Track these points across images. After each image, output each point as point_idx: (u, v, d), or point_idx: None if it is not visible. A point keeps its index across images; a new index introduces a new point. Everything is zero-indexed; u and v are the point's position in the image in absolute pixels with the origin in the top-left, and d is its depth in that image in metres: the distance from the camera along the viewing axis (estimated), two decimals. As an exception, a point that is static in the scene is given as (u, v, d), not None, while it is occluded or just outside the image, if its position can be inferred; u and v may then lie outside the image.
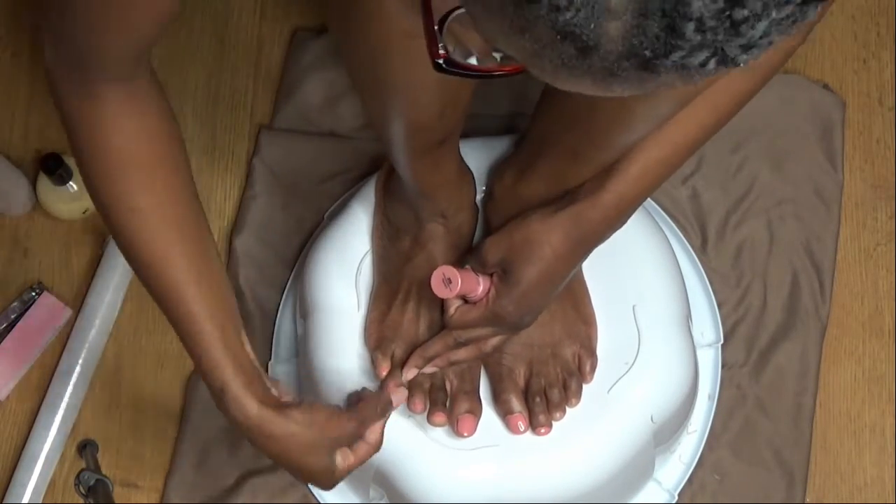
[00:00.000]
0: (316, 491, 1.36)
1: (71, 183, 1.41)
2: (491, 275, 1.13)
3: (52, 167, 1.39)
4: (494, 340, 1.17)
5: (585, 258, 1.13)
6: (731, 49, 0.56)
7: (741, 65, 0.58)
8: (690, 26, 0.55)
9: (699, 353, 1.34)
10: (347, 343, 1.25)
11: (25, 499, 1.36)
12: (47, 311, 1.42)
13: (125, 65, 0.93)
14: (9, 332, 1.42)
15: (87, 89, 0.94)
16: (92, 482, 1.30)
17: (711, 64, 0.57)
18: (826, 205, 1.44)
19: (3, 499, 1.38)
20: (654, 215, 1.37)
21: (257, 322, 1.41)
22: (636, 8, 0.55)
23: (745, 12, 0.55)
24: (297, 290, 1.36)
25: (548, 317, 1.21)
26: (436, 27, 0.64)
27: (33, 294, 1.43)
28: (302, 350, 1.32)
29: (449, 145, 1.14)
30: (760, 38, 0.57)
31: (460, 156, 1.21)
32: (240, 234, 1.44)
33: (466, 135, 1.24)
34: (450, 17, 0.64)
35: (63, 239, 1.46)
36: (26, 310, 1.42)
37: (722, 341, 1.39)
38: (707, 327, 1.39)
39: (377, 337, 1.23)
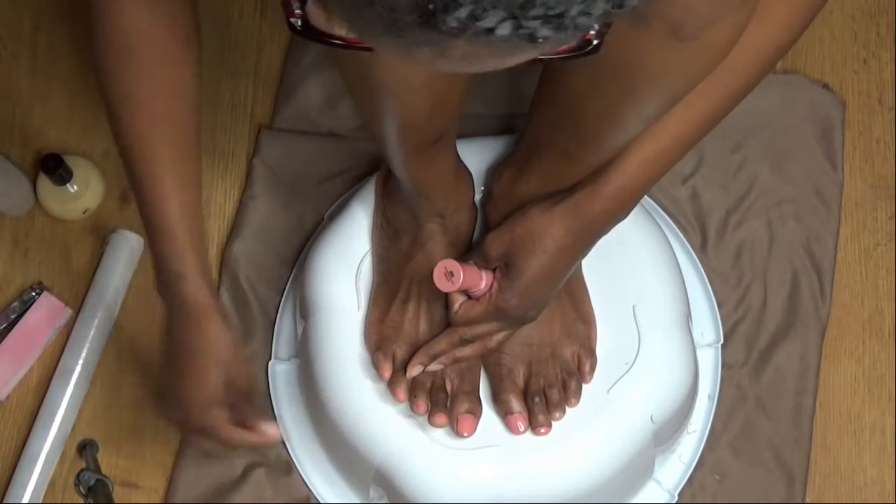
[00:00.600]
0: (316, 490, 1.36)
1: (71, 183, 1.41)
2: (494, 269, 1.13)
3: (52, 167, 1.38)
4: (499, 336, 1.17)
5: (587, 251, 1.13)
6: (526, 19, 0.55)
7: (542, 41, 0.56)
8: (462, 11, 0.54)
9: (699, 353, 1.34)
10: (347, 343, 1.25)
11: (25, 499, 1.36)
12: (47, 311, 1.42)
13: None
14: (9, 332, 1.42)
15: None
16: (92, 482, 1.30)
17: (504, 29, 0.55)
18: (826, 205, 1.44)
19: (3, 499, 1.38)
20: (654, 215, 1.37)
21: (257, 322, 1.41)
22: None
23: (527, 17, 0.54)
24: (297, 290, 1.36)
25: (547, 316, 1.21)
26: None
27: (33, 294, 1.43)
28: (302, 350, 1.32)
29: (443, 144, 1.14)
30: (561, 13, 0.55)
31: (457, 155, 1.21)
32: (240, 235, 1.44)
33: (465, 135, 1.24)
34: None
35: (63, 239, 1.46)
36: (26, 310, 1.42)
37: (722, 341, 1.39)
38: (707, 327, 1.39)
39: (377, 337, 1.23)
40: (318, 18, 0.63)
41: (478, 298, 1.14)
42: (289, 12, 0.63)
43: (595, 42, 0.60)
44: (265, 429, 1.11)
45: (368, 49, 0.63)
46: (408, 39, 0.57)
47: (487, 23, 0.54)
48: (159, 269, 1.10)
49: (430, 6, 0.54)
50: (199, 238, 1.09)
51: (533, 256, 1.10)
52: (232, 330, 1.13)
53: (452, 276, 1.10)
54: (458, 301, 1.15)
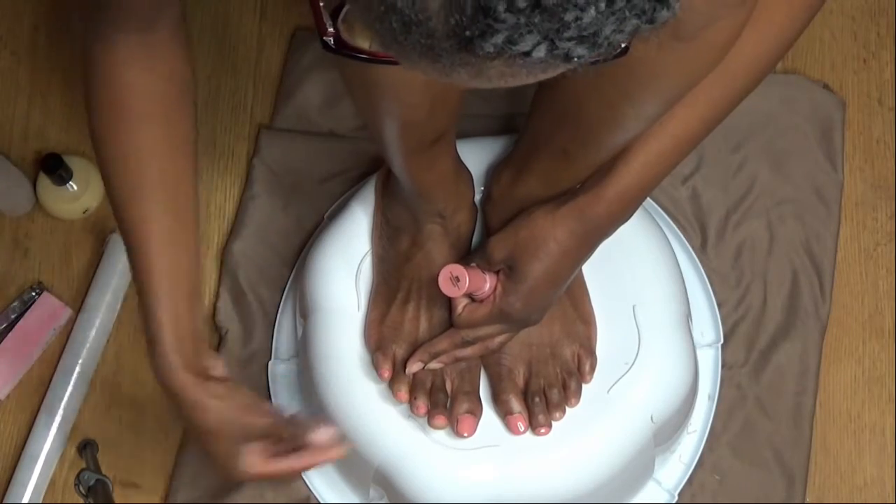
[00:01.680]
0: (316, 490, 1.36)
1: (71, 183, 1.41)
2: (497, 272, 1.14)
3: (52, 167, 1.39)
4: (501, 338, 1.17)
5: (591, 254, 1.13)
6: (561, 40, 0.56)
7: (577, 59, 0.57)
8: (501, 6, 0.55)
9: (699, 353, 1.34)
10: (347, 343, 1.25)
11: (25, 499, 1.36)
12: (47, 311, 1.42)
13: (143, 13, 0.93)
14: (9, 332, 1.42)
15: (102, 32, 0.95)
16: (92, 482, 1.30)
17: (540, 52, 0.56)
18: (826, 205, 1.44)
19: (3, 499, 1.38)
20: (654, 215, 1.37)
21: (257, 322, 1.41)
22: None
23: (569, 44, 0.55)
24: (297, 290, 1.36)
25: (547, 316, 1.21)
26: (321, 2, 0.63)
27: (33, 294, 1.43)
28: (302, 350, 1.32)
29: (443, 144, 1.14)
30: (594, 33, 0.56)
31: (457, 155, 1.20)
32: (240, 234, 1.44)
33: (465, 135, 1.24)
34: None
35: (63, 239, 1.46)
36: (26, 310, 1.42)
37: (722, 341, 1.39)
38: (707, 327, 1.39)
39: (377, 338, 1.23)
40: (347, 34, 0.64)
41: (481, 301, 1.14)
42: (322, 31, 0.64)
43: (623, 45, 0.61)
44: (314, 438, 1.02)
45: (390, 62, 0.64)
46: (445, 63, 0.58)
47: (523, 46, 0.56)
48: (146, 336, 1.05)
49: (467, 33, 0.56)
50: (184, 303, 1.04)
51: (536, 260, 1.10)
52: (213, 376, 1.06)
53: (458, 280, 1.10)
54: (462, 304, 1.15)
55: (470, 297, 1.15)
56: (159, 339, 1.03)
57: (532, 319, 1.14)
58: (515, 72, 0.58)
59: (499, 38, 0.55)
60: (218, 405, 1.04)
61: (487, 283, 1.13)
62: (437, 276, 1.12)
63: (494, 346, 1.17)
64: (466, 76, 0.59)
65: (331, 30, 0.64)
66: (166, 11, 0.95)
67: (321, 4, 0.63)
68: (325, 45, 0.64)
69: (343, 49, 0.64)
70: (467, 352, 1.17)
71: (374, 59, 0.64)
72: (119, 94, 0.99)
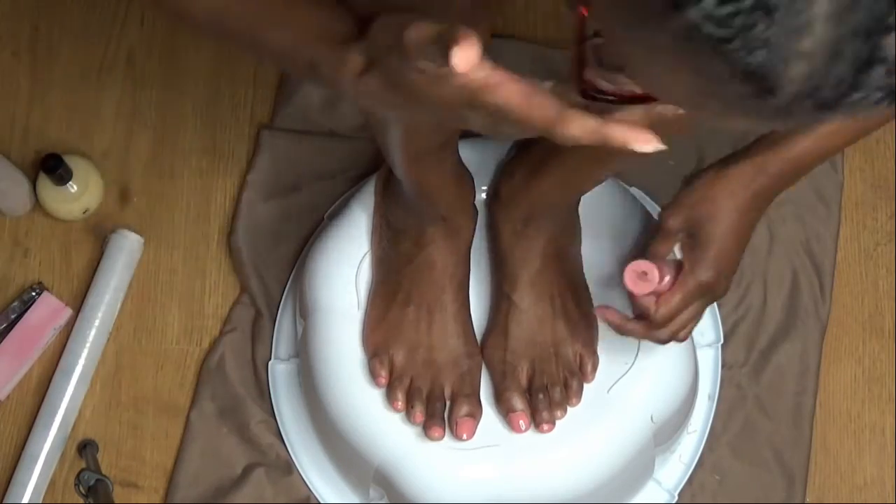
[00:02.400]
0: (316, 490, 1.36)
1: (71, 183, 1.41)
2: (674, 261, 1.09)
3: (52, 167, 1.38)
4: (693, 321, 1.11)
5: (761, 215, 1.10)
6: None
7: None
8: (881, 70, 0.54)
9: (699, 353, 1.34)
10: (347, 343, 1.25)
11: (25, 499, 1.36)
12: (47, 311, 1.42)
13: None
14: (9, 332, 1.42)
15: None
16: (92, 482, 1.30)
17: (885, 104, 0.55)
18: (826, 205, 1.44)
19: (3, 499, 1.38)
20: (655, 215, 1.37)
21: (257, 322, 1.41)
22: (829, 51, 0.53)
23: None
24: (297, 290, 1.36)
25: (550, 315, 1.21)
26: (584, 57, 0.63)
27: (33, 294, 1.43)
28: (302, 350, 1.32)
29: (448, 148, 1.14)
30: None
31: (459, 158, 1.20)
32: (240, 234, 1.44)
33: (466, 135, 1.24)
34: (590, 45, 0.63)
35: (63, 239, 1.46)
36: (26, 310, 1.42)
37: (722, 341, 1.39)
38: (707, 327, 1.39)
39: (374, 342, 1.23)
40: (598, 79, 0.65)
41: (661, 294, 1.09)
42: (578, 81, 0.65)
43: None
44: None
45: (647, 101, 0.63)
46: (788, 120, 0.57)
47: (873, 99, 0.55)
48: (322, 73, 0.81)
49: (828, 94, 0.54)
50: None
51: (717, 220, 1.07)
52: None
53: (646, 275, 1.05)
54: (651, 302, 1.09)
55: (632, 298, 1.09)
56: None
57: (723, 287, 1.10)
58: (851, 116, 0.57)
59: (857, 96, 0.54)
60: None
61: (668, 275, 1.08)
62: (624, 273, 1.04)
63: (689, 330, 1.13)
64: (782, 124, 0.58)
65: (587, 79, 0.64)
66: None
67: (584, 52, 0.63)
68: (584, 94, 0.65)
69: (602, 96, 0.65)
70: (663, 336, 1.12)
71: (630, 100, 0.64)
72: None
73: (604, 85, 0.66)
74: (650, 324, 1.10)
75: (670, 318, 1.10)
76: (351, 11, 0.81)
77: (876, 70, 0.54)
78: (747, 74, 0.54)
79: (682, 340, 1.14)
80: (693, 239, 1.08)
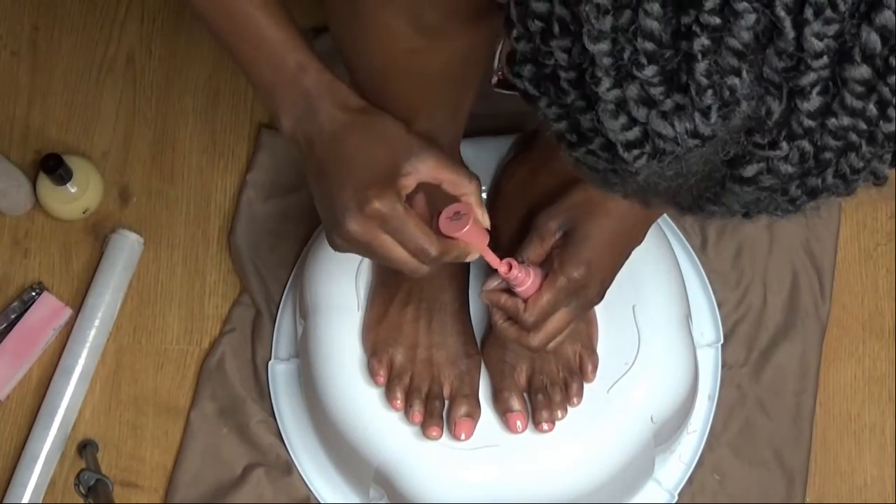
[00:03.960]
0: (316, 490, 1.36)
1: (71, 183, 1.41)
2: (540, 266, 1.07)
3: (52, 167, 1.38)
4: (566, 329, 1.08)
5: (646, 226, 1.09)
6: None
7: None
8: (720, 210, 0.67)
9: (699, 353, 1.34)
10: (347, 343, 1.25)
11: (25, 499, 1.36)
12: (47, 311, 1.42)
13: None
14: (9, 332, 1.42)
15: None
16: (92, 482, 1.30)
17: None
18: (826, 205, 1.44)
19: (3, 499, 1.38)
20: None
21: (257, 322, 1.41)
22: (676, 193, 0.67)
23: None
24: (297, 290, 1.36)
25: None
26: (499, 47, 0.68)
27: (33, 294, 1.43)
28: (302, 350, 1.32)
29: (450, 150, 1.14)
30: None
31: (461, 158, 1.20)
32: (240, 234, 1.44)
33: (466, 134, 1.24)
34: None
35: (63, 239, 1.46)
36: (26, 310, 1.42)
37: (722, 341, 1.39)
38: (707, 327, 1.39)
39: (374, 341, 1.23)
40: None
41: (525, 300, 1.05)
42: (493, 73, 0.71)
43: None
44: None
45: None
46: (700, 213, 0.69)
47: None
48: (270, 92, 0.96)
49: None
50: (310, 48, 0.94)
51: (594, 218, 1.05)
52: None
53: (460, 216, 0.96)
54: (519, 302, 1.05)
55: (508, 292, 1.06)
56: (310, 69, 0.94)
57: (594, 292, 1.07)
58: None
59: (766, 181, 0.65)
60: (395, 128, 0.95)
61: (532, 276, 1.04)
62: (438, 220, 0.96)
63: (562, 338, 1.09)
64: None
65: (499, 74, 0.68)
66: None
67: (498, 49, 0.67)
68: (498, 85, 0.69)
69: (505, 88, 0.68)
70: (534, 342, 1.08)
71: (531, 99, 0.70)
72: None
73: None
74: (520, 326, 1.06)
75: (541, 320, 1.05)
76: (304, 43, 0.93)
77: (714, 209, 0.66)
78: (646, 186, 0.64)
79: (552, 350, 1.10)
80: (566, 238, 1.07)
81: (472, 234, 0.96)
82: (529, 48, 0.64)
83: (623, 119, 0.61)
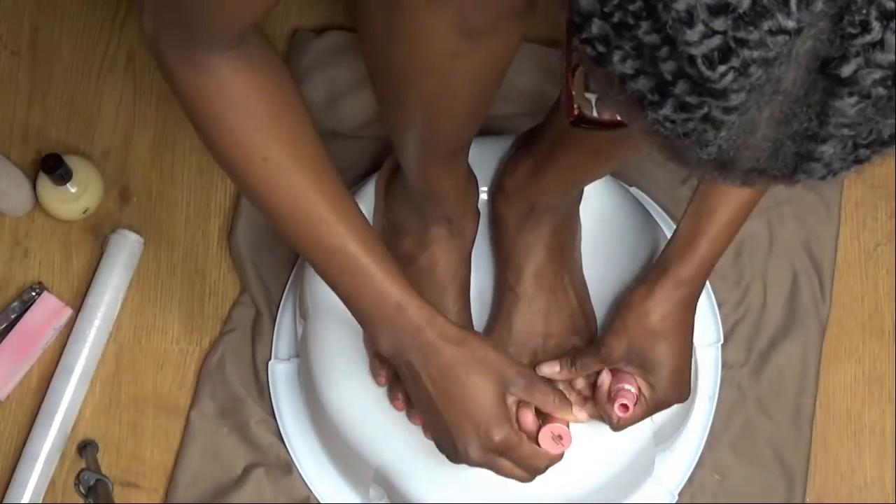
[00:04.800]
0: (316, 490, 1.36)
1: (71, 183, 1.41)
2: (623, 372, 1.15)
3: (52, 167, 1.38)
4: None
5: (695, 310, 1.15)
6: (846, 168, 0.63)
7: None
8: (818, 166, 0.63)
9: (699, 353, 1.34)
10: (347, 343, 1.25)
11: (25, 499, 1.36)
12: (47, 311, 1.42)
13: (233, 37, 0.91)
14: (9, 332, 1.42)
15: (196, 63, 0.93)
16: (92, 482, 1.30)
17: (830, 176, 0.64)
18: (826, 205, 1.44)
19: (3, 499, 1.38)
20: (655, 215, 1.37)
21: (257, 322, 1.41)
22: (770, 149, 0.63)
23: (868, 152, 0.62)
24: (298, 289, 1.36)
25: (554, 308, 1.21)
26: (573, 90, 0.70)
27: (33, 294, 1.43)
28: (302, 350, 1.32)
29: (463, 153, 1.14)
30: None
31: (468, 161, 1.20)
32: (240, 234, 1.44)
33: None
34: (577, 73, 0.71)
35: (63, 239, 1.46)
36: (26, 310, 1.42)
37: (722, 341, 1.39)
38: (707, 327, 1.39)
39: (375, 341, 1.23)
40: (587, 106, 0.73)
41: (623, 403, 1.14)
42: (569, 111, 0.73)
43: None
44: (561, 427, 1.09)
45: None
46: (741, 183, 0.67)
47: (817, 176, 0.64)
48: (370, 321, 1.04)
49: (776, 173, 0.65)
50: (398, 271, 1.03)
51: (659, 343, 1.12)
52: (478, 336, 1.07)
53: (561, 439, 1.09)
54: (614, 416, 1.14)
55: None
56: (408, 304, 1.02)
57: (685, 394, 1.16)
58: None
59: (802, 177, 0.65)
60: (497, 356, 1.05)
61: (633, 388, 1.14)
62: (536, 434, 1.09)
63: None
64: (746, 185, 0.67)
65: (575, 111, 0.72)
66: (250, 21, 0.91)
67: (571, 82, 0.70)
68: (572, 122, 0.73)
69: (588, 123, 0.72)
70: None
71: (616, 126, 0.71)
72: (239, 106, 0.96)
73: (591, 115, 0.73)
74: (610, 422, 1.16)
75: (628, 426, 1.16)
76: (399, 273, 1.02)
77: (814, 166, 0.63)
78: (707, 158, 0.63)
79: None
80: (644, 364, 1.13)
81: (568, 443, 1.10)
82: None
83: (700, 28, 0.58)
